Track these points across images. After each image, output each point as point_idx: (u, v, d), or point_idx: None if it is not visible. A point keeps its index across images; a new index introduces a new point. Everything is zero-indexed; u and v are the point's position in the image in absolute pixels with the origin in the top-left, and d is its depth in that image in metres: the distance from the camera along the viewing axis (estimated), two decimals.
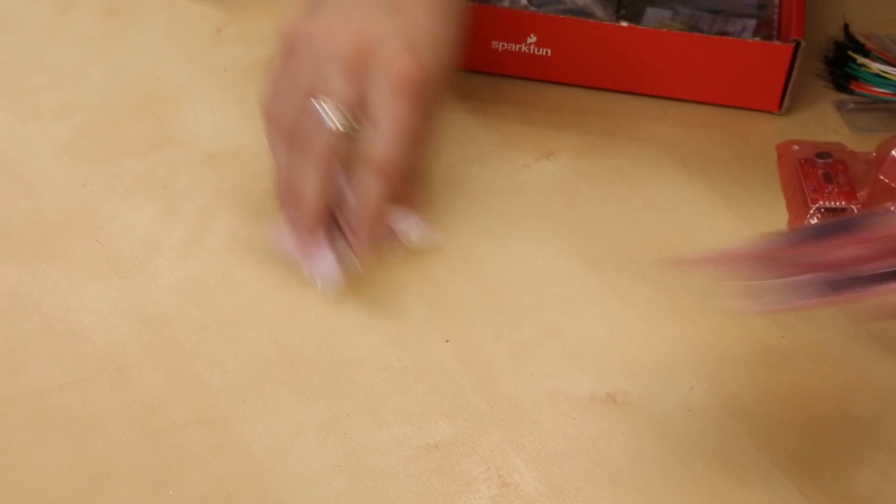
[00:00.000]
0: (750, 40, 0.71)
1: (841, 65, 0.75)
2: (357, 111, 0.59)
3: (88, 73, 0.75)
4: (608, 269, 0.64)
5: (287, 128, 0.60)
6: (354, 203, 0.60)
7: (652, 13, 0.77)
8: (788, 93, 0.72)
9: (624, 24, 0.71)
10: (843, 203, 0.66)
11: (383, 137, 0.59)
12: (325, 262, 0.61)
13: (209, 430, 0.56)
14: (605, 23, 0.72)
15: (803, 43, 0.70)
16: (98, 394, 0.57)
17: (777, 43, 0.70)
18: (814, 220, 0.66)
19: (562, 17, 0.71)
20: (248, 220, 0.66)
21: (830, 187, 0.67)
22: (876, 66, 0.74)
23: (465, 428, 0.56)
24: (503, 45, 0.73)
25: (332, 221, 0.62)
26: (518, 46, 0.73)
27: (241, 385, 0.58)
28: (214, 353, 0.59)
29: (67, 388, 0.57)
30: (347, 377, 0.58)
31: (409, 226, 0.63)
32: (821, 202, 0.66)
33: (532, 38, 0.73)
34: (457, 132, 0.72)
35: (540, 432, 0.56)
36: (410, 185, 0.63)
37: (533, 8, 0.75)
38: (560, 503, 0.53)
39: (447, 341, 0.60)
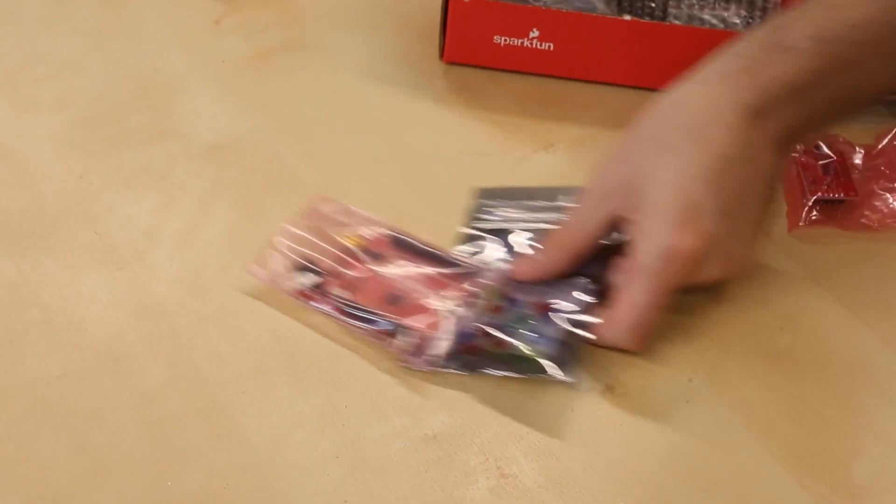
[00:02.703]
0: None
1: None
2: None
3: (86, 65, 0.75)
4: None
5: None
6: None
7: None
8: None
9: (626, 17, 0.71)
10: (842, 195, 0.66)
11: (616, 322, 0.58)
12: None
13: (208, 421, 0.56)
14: (608, 17, 0.71)
15: None
16: (96, 385, 0.57)
17: None
18: (813, 213, 0.66)
19: (564, 11, 0.71)
20: (246, 212, 0.66)
21: (829, 179, 0.67)
22: None
23: (463, 419, 0.56)
24: (505, 40, 0.73)
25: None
26: (520, 41, 0.73)
27: (240, 376, 0.58)
28: (213, 344, 0.59)
29: (66, 380, 0.57)
30: (346, 368, 0.58)
31: None
32: (819, 194, 0.66)
33: (535, 33, 0.73)
34: (457, 124, 0.72)
35: (538, 424, 0.56)
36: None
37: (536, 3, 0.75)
38: (558, 494, 0.53)
39: None
